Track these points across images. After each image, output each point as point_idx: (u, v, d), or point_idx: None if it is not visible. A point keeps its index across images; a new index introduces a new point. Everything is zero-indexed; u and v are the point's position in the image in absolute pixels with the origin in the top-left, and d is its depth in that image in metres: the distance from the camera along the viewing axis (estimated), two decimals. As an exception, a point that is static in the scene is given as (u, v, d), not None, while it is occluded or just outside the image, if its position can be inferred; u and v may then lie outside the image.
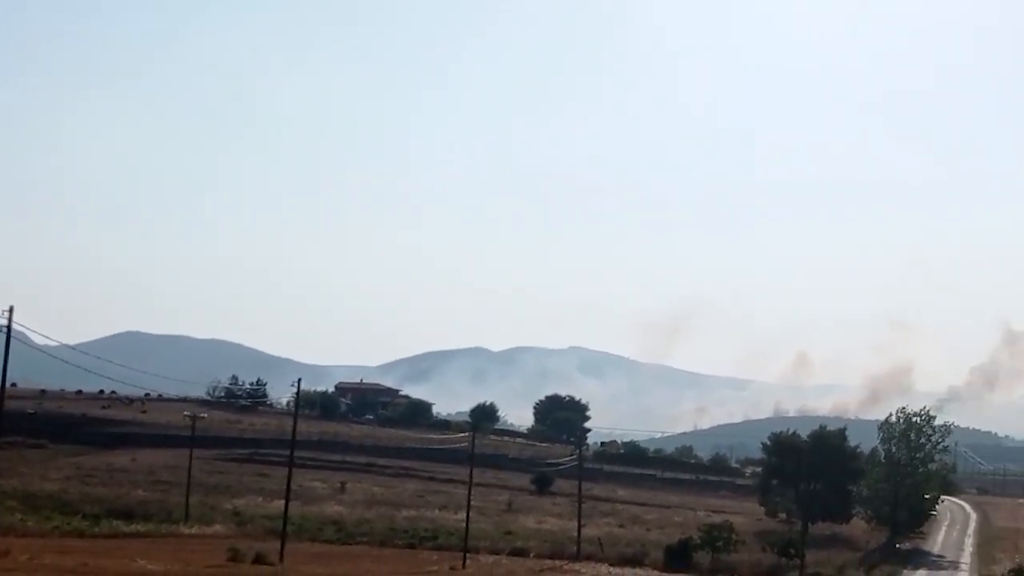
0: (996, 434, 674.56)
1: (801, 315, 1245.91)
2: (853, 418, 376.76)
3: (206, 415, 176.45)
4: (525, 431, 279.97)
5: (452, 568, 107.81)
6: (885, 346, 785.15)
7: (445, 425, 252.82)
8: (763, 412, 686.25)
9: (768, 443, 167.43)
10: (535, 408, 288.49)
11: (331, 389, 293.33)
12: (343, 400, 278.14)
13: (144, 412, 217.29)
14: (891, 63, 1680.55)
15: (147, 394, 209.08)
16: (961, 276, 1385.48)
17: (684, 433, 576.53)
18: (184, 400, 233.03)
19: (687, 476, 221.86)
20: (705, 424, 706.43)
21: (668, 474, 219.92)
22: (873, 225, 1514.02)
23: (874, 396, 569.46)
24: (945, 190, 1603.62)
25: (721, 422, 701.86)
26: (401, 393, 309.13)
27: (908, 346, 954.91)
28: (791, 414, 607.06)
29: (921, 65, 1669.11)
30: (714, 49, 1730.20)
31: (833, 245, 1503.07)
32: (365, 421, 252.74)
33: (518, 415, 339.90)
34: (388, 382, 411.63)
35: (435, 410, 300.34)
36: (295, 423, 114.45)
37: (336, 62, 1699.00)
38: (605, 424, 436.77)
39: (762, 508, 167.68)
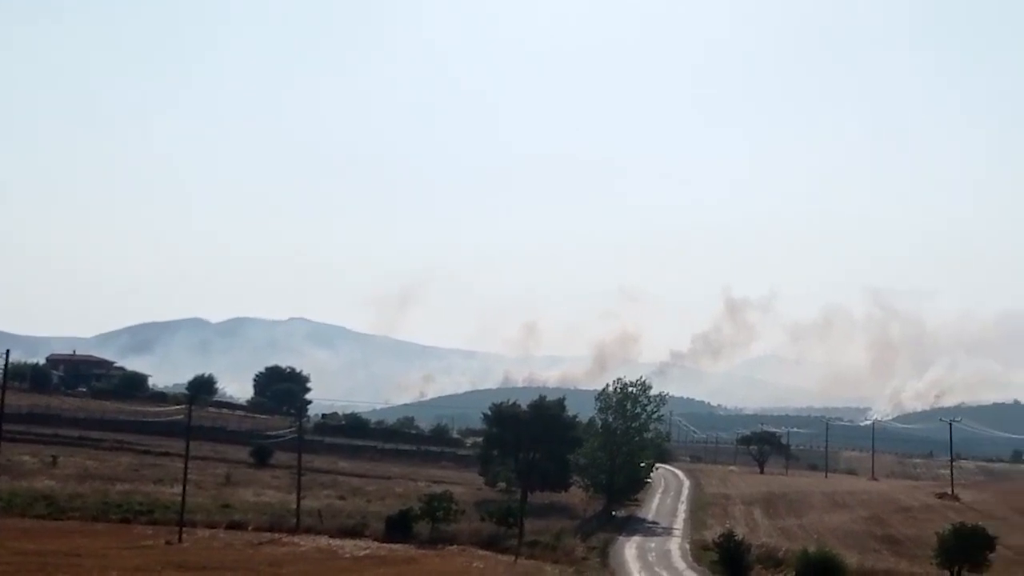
0: (709, 403, 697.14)
1: (532, 286, 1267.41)
2: (577, 388, 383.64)
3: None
4: (245, 403, 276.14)
5: (167, 543, 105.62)
6: (613, 316, 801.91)
7: (162, 398, 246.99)
8: (492, 382, 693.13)
9: (489, 413, 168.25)
10: (255, 380, 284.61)
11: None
12: (55, 372, 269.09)
13: None
14: (641, 40, 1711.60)
15: None
16: (688, 248, 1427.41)
17: (408, 404, 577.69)
18: None
19: (409, 447, 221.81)
20: (432, 394, 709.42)
21: (389, 445, 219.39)
22: (604, 199, 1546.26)
23: (601, 366, 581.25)
24: (671, 167, 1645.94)
25: (448, 392, 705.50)
26: (116, 365, 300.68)
27: (636, 316, 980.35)
28: (519, 384, 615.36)
29: (676, 47, 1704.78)
30: (461, 22, 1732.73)
31: (565, 219, 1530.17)
32: (78, 394, 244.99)
33: (243, 387, 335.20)
34: (108, 354, 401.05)
35: (154, 382, 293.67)
36: (2, 396, 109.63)
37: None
38: (334, 396, 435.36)
39: (482, 478, 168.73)
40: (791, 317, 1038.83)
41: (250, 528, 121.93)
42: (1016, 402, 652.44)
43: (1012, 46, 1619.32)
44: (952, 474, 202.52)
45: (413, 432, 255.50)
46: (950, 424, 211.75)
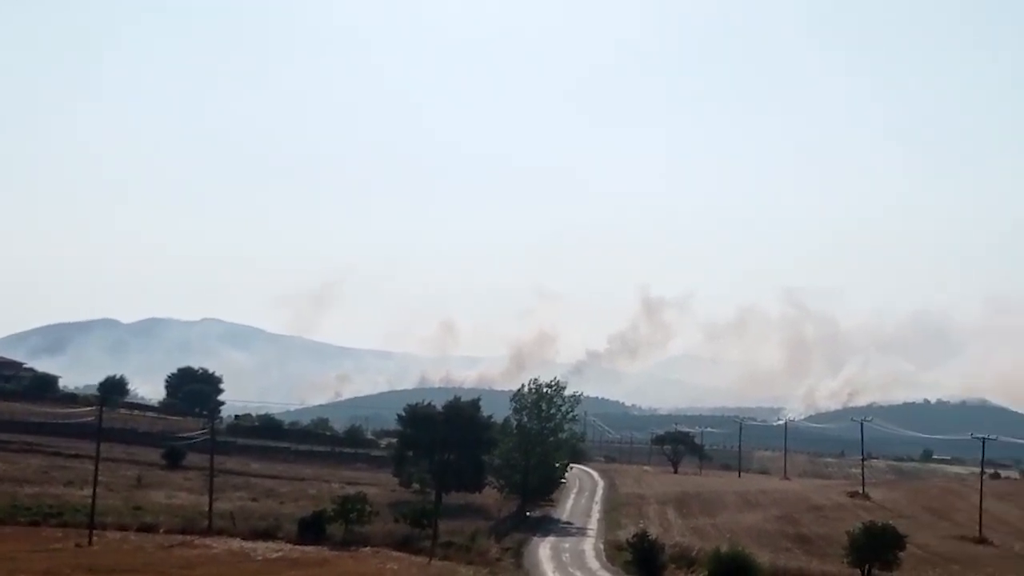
0: (624, 404, 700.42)
1: (449, 285, 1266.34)
2: (495, 388, 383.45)
3: None
4: (156, 404, 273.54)
5: (77, 545, 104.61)
6: (531, 316, 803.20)
7: (72, 399, 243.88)
8: (408, 383, 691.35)
9: (403, 414, 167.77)
10: (167, 381, 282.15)
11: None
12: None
13: None
14: (557, 40, 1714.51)
15: None
16: (606, 247, 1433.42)
17: (324, 405, 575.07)
18: None
19: (323, 448, 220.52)
20: (348, 395, 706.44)
21: (303, 447, 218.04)
22: (522, 198, 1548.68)
23: (519, 366, 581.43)
24: (588, 166, 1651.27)
25: (364, 393, 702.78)
26: (26, 366, 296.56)
27: (554, 316, 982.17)
28: (436, 384, 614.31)
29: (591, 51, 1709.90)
30: (383, 21, 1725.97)
31: (482, 218, 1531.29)
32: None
33: (156, 389, 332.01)
34: (18, 355, 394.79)
35: (65, 384, 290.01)
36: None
37: None
38: (249, 397, 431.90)
39: (396, 479, 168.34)
40: (708, 317, 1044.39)
41: (161, 530, 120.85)
42: (926, 401, 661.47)
43: (924, 45, 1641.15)
44: (863, 473, 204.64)
45: (327, 433, 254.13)
46: (861, 423, 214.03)
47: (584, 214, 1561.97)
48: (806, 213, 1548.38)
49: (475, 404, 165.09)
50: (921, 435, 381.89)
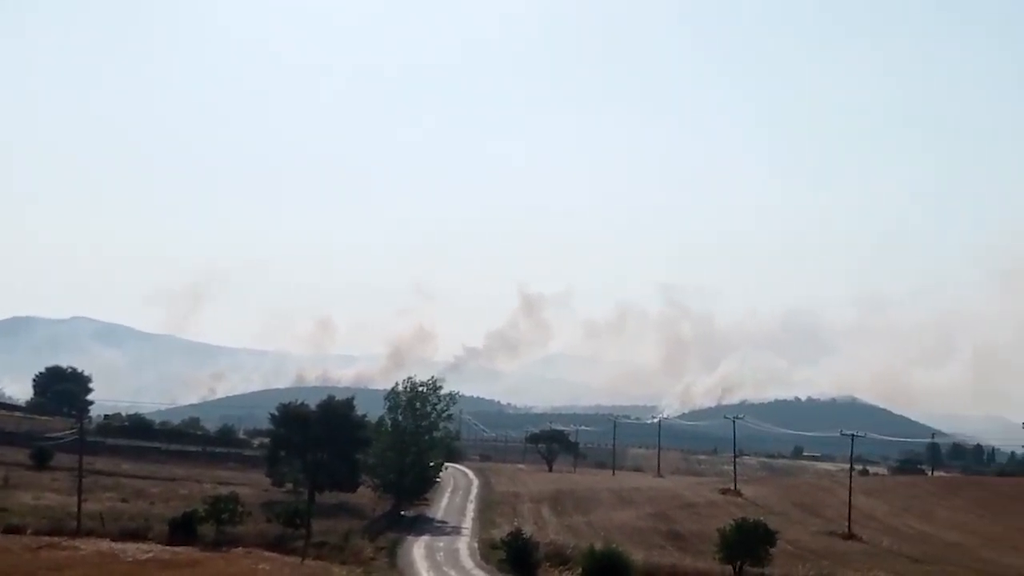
0: (499, 402, 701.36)
1: (327, 282, 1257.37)
2: (373, 387, 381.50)
3: None
4: (24, 404, 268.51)
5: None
6: (410, 313, 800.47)
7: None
8: (284, 381, 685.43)
9: (276, 413, 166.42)
10: (34, 381, 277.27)
11: None
12: None
13: None
14: (427, 40, 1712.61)
15: None
16: (485, 244, 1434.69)
17: (196, 404, 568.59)
18: None
19: (194, 448, 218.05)
20: (222, 393, 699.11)
21: (174, 446, 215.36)
22: (400, 195, 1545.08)
23: (398, 364, 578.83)
24: (467, 163, 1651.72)
25: (238, 392, 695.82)
26: None
27: (433, 313, 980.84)
28: (313, 383, 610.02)
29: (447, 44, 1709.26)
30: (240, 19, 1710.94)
31: (361, 214, 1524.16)
32: None
33: (23, 388, 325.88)
34: None
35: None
36: None
37: None
38: (120, 396, 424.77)
39: (269, 479, 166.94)
40: (587, 315, 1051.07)
41: (28, 532, 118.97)
42: (797, 399, 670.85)
43: (792, 46, 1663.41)
44: (735, 470, 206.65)
45: (199, 433, 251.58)
46: (733, 421, 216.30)
47: (464, 211, 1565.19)
48: (684, 212, 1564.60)
49: (349, 403, 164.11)
50: (792, 432, 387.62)
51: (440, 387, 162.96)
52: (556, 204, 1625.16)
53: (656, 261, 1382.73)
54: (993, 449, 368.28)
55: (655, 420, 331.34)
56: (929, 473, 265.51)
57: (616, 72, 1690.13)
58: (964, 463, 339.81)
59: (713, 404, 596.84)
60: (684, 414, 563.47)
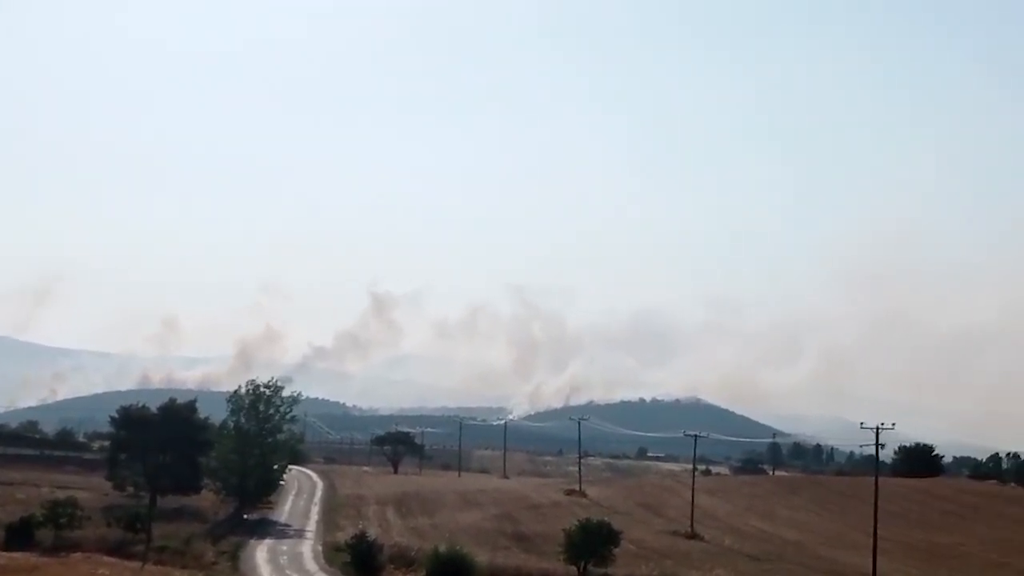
0: (345, 404, 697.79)
1: (173, 281, 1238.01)
2: (218, 389, 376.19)
3: None
4: None
5: None
6: (259, 314, 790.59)
7: None
8: (128, 383, 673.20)
9: (117, 416, 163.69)
10: None
11: None
12: None
13: None
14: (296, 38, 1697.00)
15: None
16: (335, 243, 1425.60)
17: (35, 407, 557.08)
18: None
19: (31, 452, 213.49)
20: (64, 395, 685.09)
21: (11, 450, 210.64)
22: (249, 193, 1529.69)
23: (246, 365, 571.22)
24: (319, 163, 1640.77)
25: (81, 394, 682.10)
26: None
27: (282, 314, 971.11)
28: (157, 385, 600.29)
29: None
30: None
31: (208, 212, 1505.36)
32: None
33: None
34: None
35: None
36: None
37: None
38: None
39: (110, 483, 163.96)
40: (439, 315, 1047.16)
41: None
42: (642, 400, 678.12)
43: (649, 48, 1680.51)
44: (580, 471, 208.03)
45: (36, 436, 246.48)
46: (579, 422, 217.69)
47: (315, 210, 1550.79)
48: (537, 212, 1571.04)
49: (191, 405, 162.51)
50: (637, 433, 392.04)
51: (283, 389, 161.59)
52: (409, 202, 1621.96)
53: (509, 261, 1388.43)
54: (832, 449, 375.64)
55: (502, 422, 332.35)
56: (770, 473, 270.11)
57: (466, 70, 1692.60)
58: (804, 463, 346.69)
59: (561, 405, 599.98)
60: (531, 415, 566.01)
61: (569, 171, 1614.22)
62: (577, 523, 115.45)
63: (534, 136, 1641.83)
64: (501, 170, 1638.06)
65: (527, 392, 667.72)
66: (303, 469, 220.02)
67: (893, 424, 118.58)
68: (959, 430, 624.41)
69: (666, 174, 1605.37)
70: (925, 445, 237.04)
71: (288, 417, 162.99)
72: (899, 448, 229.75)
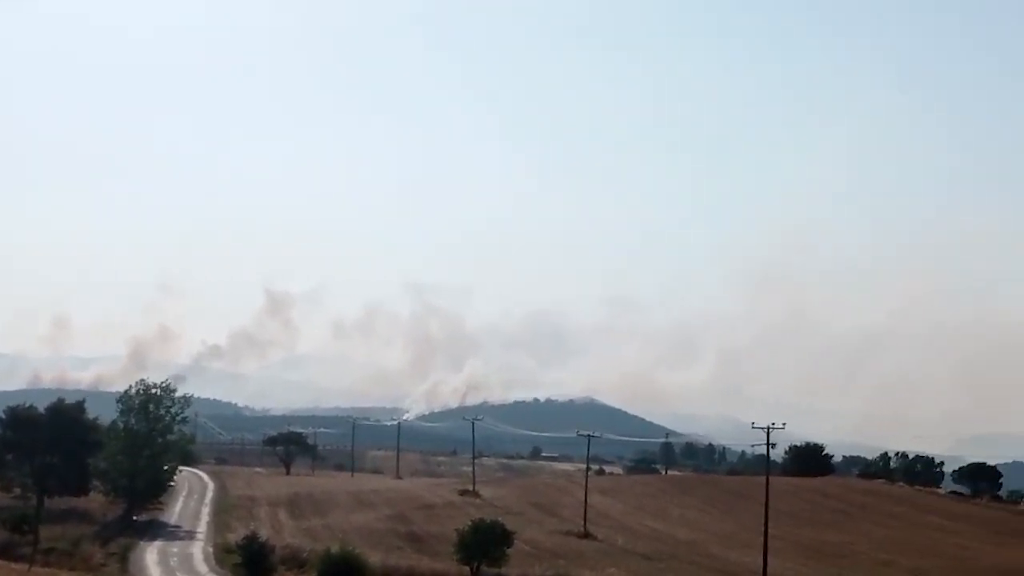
0: (236, 404, 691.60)
1: (66, 280, 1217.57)
2: (110, 389, 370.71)
3: None
4: None
5: None
6: (154, 313, 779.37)
7: None
8: (17, 383, 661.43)
9: (3, 416, 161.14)
10: None
11: None
12: None
13: None
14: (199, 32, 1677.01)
15: None
16: (232, 241, 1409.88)
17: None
18: None
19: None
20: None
21: None
22: (144, 189, 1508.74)
23: (140, 365, 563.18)
24: (213, 159, 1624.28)
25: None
26: None
27: (177, 312, 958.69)
28: (48, 385, 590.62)
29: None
30: None
31: (103, 211, 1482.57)
32: None
33: None
34: None
35: None
36: None
37: None
38: None
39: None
40: (336, 314, 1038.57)
41: None
42: (536, 400, 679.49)
43: (539, 46, 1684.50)
44: (474, 471, 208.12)
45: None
46: (472, 422, 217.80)
47: (211, 207, 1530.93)
48: (433, 211, 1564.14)
49: (80, 405, 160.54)
50: (531, 433, 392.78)
51: (174, 390, 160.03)
52: (305, 200, 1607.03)
53: (407, 260, 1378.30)
54: (724, 448, 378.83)
55: (395, 422, 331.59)
56: (663, 472, 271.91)
57: (356, 66, 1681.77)
58: (696, 462, 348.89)
59: (457, 405, 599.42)
60: (426, 415, 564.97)
61: (464, 169, 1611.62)
62: (470, 523, 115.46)
63: (426, 134, 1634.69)
64: (396, 168, 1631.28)
65: (424, 391, 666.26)
66: (194, 470, 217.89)
67: (784, 424, 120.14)
68: (850, 430, 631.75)
69: (563, 173, 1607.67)
70: (815, 444, 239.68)
71: (179, 418, 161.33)
72: (790, 448, 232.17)
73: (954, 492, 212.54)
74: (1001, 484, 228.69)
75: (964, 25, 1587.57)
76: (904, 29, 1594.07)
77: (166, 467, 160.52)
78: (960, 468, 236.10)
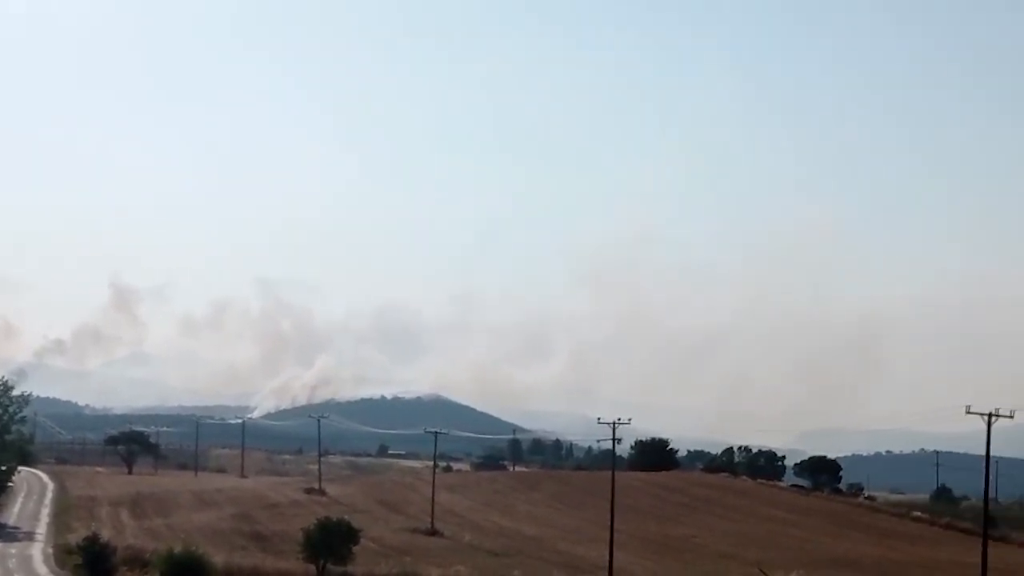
0: (77, 403, 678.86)
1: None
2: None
3: None
4: None
5: None
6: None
7: None
8: None
9: None
10: None
11: None
12: None
13: None
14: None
15: None
16: (76, 235, 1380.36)
17: None
18: None
19: None
20: None
21: None
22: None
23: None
24: (53, 157, 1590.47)
25: None
26: None
27: (16, 308, 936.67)
28: None
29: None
30: None
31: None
32: None
33: None
34: None
35: None
36: None
37: None
38: None
39: None
40: (184, 310, 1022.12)
41: None
42: (383, 397, 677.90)
43: (367, 46, 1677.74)
44: (320, 469, 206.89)
45: None
46: (318, 420, 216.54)
47: (53, 196, 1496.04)
48: (279, 206, 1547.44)
49: None
50: (378, 431, 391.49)
51: (12, 388, 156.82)
52: (151, 193, 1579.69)
53: (256, 256, 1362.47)
54: (571, 444, 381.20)
55: (240, 421, 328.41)
56: (510, 468, 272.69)
57: (194, 60, 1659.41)
58: (544, 458, 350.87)
59: (305, 402, 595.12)
60: (272, 414, 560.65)
61: (303, 165, 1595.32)
62: (316, 521, 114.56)
63: (264, 129, 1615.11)
64: (240, 163, 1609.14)
65: (273, 388, 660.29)
66: (33, 470, 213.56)
67: (630, 419, 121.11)
68: (697, 427, 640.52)
69: (402, 170, 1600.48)
70: (660, 440, 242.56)
71: (17, 417, 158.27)
72: (635, 443, 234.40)
73: (795, 485, 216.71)
74: (841, 477, 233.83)
75: (797, 24, 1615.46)
76: (738, 18, 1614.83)
77: (3, 467, 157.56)
78: (801, 462, 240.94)
